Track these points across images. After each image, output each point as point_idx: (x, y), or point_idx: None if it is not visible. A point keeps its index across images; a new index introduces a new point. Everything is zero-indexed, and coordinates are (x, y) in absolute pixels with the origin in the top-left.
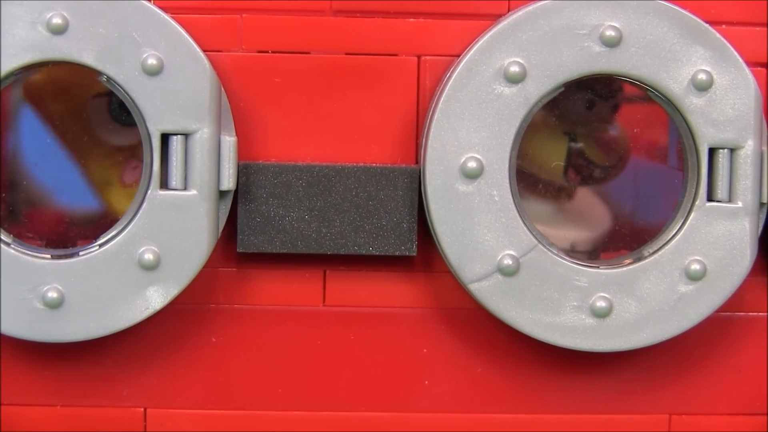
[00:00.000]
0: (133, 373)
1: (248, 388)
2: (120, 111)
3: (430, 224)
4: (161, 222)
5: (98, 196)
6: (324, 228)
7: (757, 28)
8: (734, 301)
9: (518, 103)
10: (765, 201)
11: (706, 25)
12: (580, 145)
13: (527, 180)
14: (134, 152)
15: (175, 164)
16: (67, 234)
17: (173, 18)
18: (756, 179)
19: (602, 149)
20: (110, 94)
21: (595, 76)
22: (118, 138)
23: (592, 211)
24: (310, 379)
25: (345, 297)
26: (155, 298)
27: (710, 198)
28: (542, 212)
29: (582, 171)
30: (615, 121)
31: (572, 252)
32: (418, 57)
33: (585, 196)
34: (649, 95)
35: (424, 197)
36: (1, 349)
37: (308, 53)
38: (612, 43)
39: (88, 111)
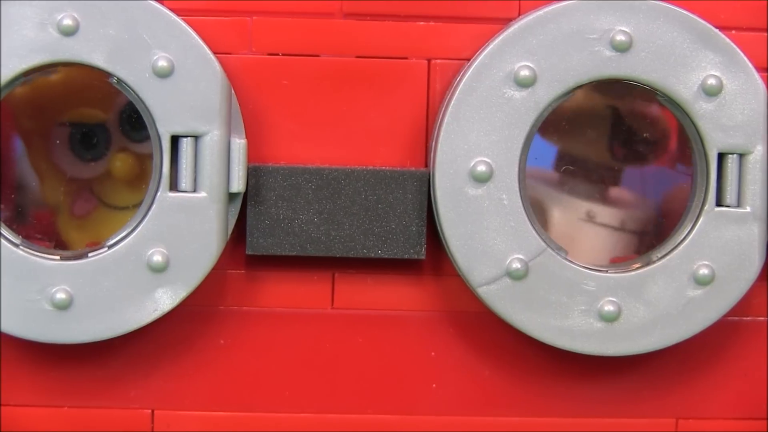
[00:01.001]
0: (141, 374)
1: (256, 390)
2: (82, 144)
3: (439, 228)
4: (170, 224)
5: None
6: (333, 231)
7: (767, 34)
8: (742, 306)
9: (528, 108)
10: None
11: (716, 31)
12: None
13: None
14: (89, 184)
15: (184, 166)
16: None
17: (183, 20)
18: (765, 184)
19: (645, 122)
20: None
21: (606, 80)
22: (77, 169)
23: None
24: (318, 382)
25: (353, 300)
26: (164, 300)
27: (719, 203)
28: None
29: (626, 143)
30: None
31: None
32: (429, 60)
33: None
34: (658, 100)
35: (433, 201)
36: (9, 350)
37: (318, 56)
38: (622, 48)
39: (52, 137)
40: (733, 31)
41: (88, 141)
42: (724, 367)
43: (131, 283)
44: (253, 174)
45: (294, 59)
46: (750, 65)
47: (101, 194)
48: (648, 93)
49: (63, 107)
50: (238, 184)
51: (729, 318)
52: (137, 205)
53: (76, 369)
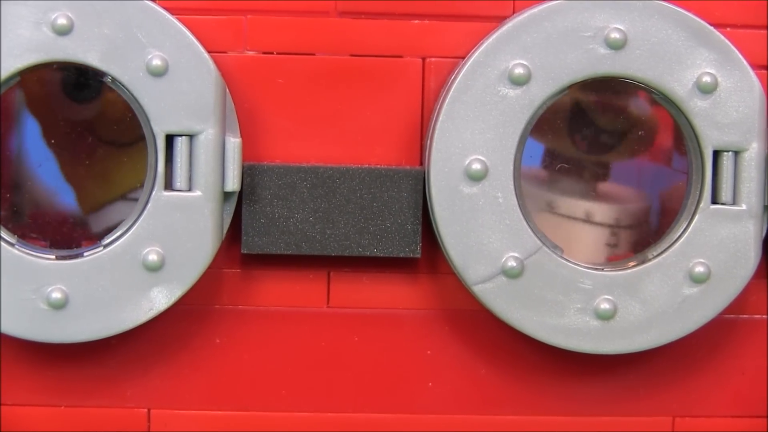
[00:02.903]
0: (137, 373)
1: (252, 389)
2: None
3: (434, 226)
4: (165, 223)
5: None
6: (328, 229)
7: (762, 31)
8: (738, 304)
9: (523, 105)
10: None
11: (711, 28)
12: (585, 108)
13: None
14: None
15: (179, 165)
16: (71, 234)
17: (178, 19)
18: (760, 182)
19: (609, 114)
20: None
21: (600, 78)
22: (72, 112)
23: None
24: (314, 381)
25: (349, 298)
26: (159, 299)
27: (714, 201)
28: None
29: (588, 136)
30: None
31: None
32: (423, 59)
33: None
34: (653, 97)
35: (428, 199)
36: (5, 350)
37: (313, 54)
38: (617, 46)
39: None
40: (728, 29)
41: (80, 83)
42: (721, 365)
43: (127, 282)
44: (248, 173)
45: (289, 58)
46: (745, 62)
47: (100, 134)
48: (642, 90)
49: None
50: (233, 183)
51: (726, 316)
52: (137, 142)
53: (72, 368)
